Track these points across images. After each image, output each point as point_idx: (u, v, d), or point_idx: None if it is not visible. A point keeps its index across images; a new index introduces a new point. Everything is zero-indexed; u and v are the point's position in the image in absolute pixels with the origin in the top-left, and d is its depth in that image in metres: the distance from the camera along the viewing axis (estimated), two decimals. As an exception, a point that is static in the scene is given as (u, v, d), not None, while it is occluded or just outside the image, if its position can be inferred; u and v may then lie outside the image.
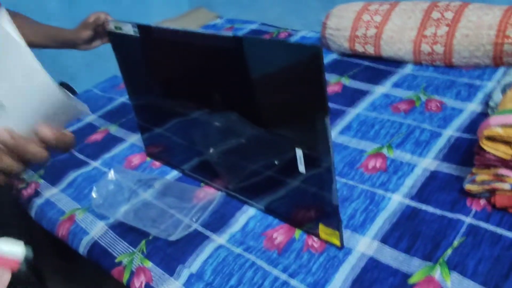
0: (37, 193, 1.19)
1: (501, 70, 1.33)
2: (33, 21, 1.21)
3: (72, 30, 1.21)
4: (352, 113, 1.26)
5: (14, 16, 1.16)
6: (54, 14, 1.80)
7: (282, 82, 0.79)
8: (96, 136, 1.41)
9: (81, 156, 1.31)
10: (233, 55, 0.83)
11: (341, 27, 1.57)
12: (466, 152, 1.02)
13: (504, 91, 1.12)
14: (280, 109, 0.84)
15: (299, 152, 0.81)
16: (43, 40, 1.20)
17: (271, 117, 0.87)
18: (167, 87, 1.09)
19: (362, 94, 1.35)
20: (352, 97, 1.34)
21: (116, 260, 0.94)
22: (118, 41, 1.08)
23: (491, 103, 1.13)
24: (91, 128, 1.48)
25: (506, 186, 0.84)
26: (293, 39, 1.82)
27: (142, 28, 0.99)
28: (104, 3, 1.89)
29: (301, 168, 0.83)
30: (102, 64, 1.96)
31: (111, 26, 1.05)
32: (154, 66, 1.08)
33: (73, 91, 1.78)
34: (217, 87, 0.93)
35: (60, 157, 1.33)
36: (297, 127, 0.81)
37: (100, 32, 1.20)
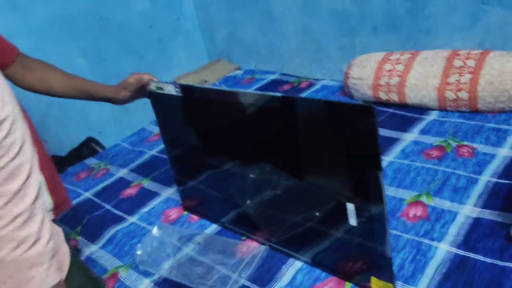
0: (77, 251, 1.20)
1: (527, 114, 1.35)
2: (67, 74, 1.17)
3: (110, 89, 1.15)
4: (385, 161, 1.28)
5: (49, 67, 1.16)
6: (82, 70, 1.82)
7: (331, 140, 0.82)
8: (130, 191, 1.43)
9: (118, 212, 1.33)
10: (280, 113, 0.86)
11: (364, 77, 1.61)
12: (507, 197, 1.03)
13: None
14: (326, 164, 0.86)
15: (350, 206, 0.83)
16: (75, 93, 1.14)
17: (315, 171, 0.89)
18: (206, 141, 1.12)
19: (391, 141, 1.38)
20: (382, 145, 1.36)
21: (166, 319, 0.93)
22: (159, 100, 1.11)
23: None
24: (123, 182, 1.50)
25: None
26: (315, 88, 1.87)
27: (184, 88, 1.03)
28: (129, 60, 1.94)
29: (352, 221, 0.84)
30: (129, 117, 2.00)
31: (152, 87, 1.09)
32: (194, 122, 1.12)
33: (101, 146, 1.82)
34: (261, 143, 0.96)
35: (96, 213, 1.34)
36: (346, 182, 0.83)
37: (139, 92, 1.20)
